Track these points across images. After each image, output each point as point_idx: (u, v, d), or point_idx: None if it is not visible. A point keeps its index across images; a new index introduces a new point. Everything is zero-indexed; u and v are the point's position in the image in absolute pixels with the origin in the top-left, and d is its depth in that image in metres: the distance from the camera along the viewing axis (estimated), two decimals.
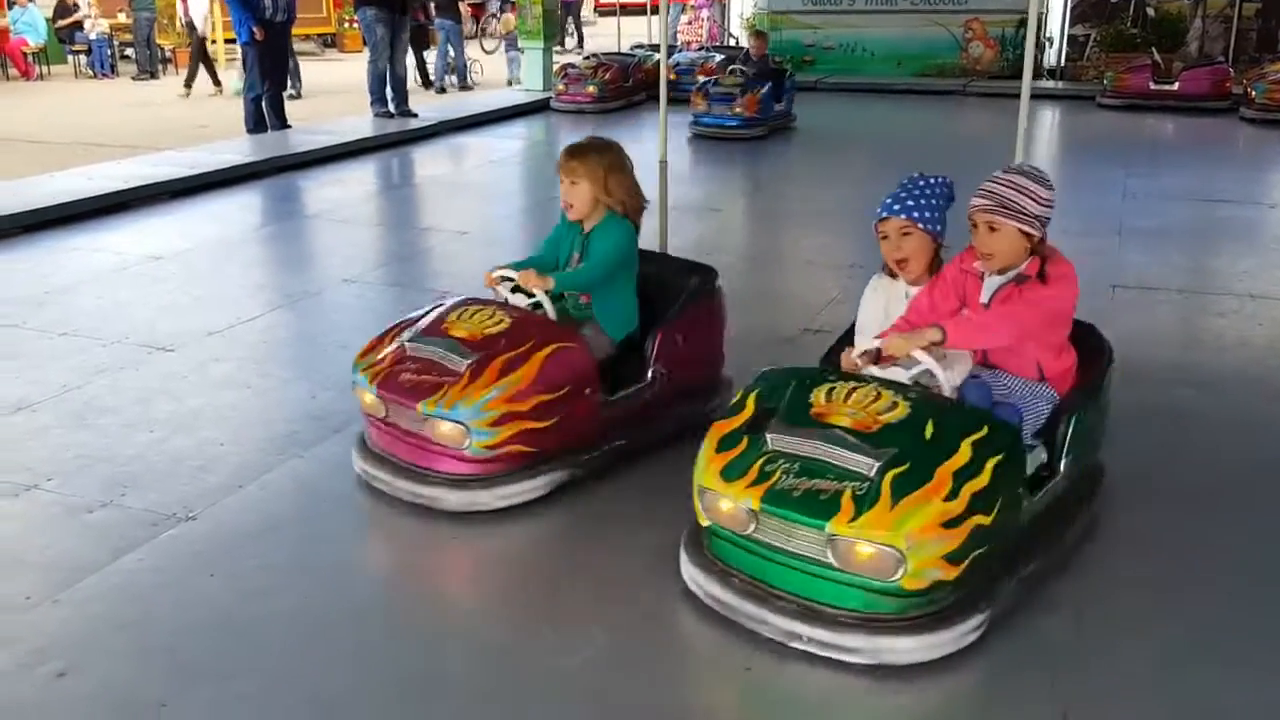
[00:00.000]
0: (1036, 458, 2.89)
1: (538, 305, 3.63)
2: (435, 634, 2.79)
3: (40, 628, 2.74)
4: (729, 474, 2.68)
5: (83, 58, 18.34)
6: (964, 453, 2.56)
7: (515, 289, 3.68)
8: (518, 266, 3.67)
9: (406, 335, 3.48)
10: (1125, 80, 12.99)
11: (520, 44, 14.71)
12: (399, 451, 3.38)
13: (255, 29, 10.06)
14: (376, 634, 2.76)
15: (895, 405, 2.70)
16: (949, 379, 2.86)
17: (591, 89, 12.65)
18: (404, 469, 3.36)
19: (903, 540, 2.43)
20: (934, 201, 3.17)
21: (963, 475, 2.52)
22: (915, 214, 3.15)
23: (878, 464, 2.55)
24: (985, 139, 11.84)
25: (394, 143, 10.56)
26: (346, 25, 23.04)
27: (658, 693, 2.53)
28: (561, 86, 12.84)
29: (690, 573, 2.83)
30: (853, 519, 2.47)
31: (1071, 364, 3.09)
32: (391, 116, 11.27)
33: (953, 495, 2.49)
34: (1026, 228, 2.89)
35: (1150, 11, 14.59)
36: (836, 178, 9.68)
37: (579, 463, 3.44)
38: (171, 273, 6.12)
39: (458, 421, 3.20)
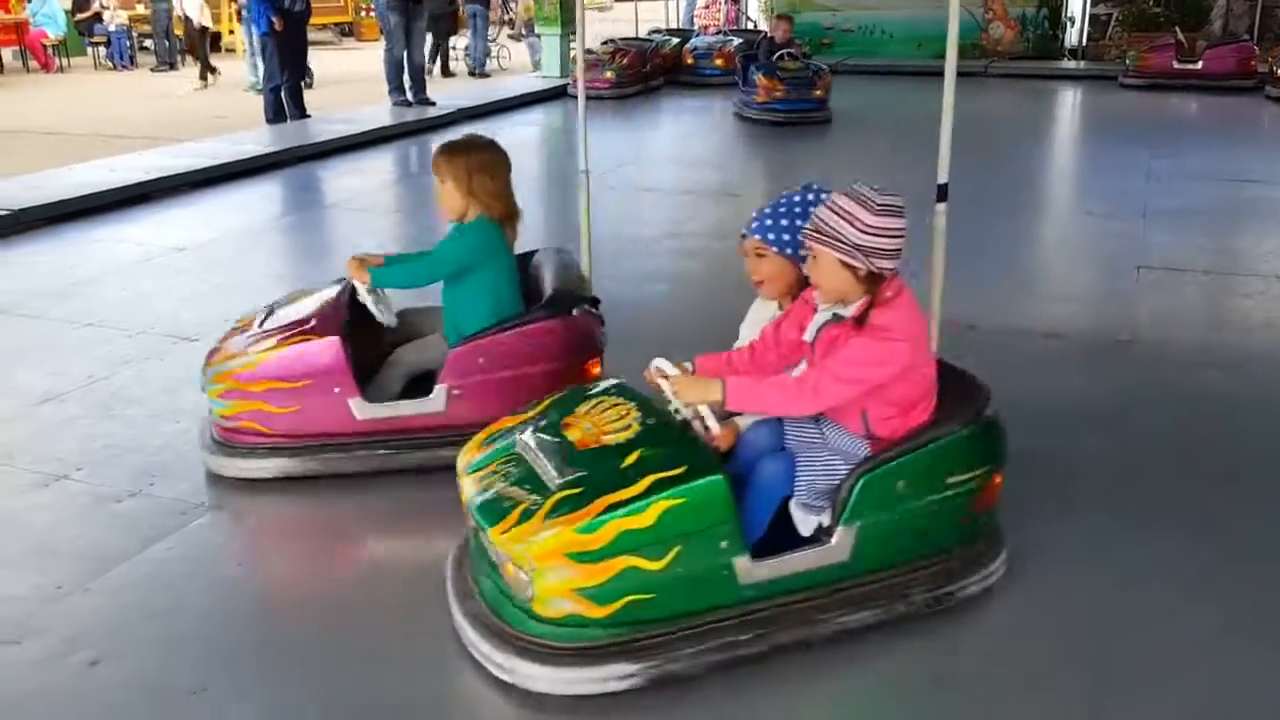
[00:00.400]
0: (810, 521, 2.57)
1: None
2: None
3: (72, 617, 2.77)
4: (474, 466, 2.66)
5: (102, 49, 18.42)
6: (636, 488, 2.36)
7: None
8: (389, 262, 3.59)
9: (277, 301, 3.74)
10: (1148, 60, 12.86)
11: (537, 30, 14.68)
12: None
13: (275, 19, 10.08)
14: (403, 622, 2.76)
15: (627, 428, 2.56)
16: (718, 426, 2.61)
17: (609, 74, 12.60)
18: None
19: (527, 561, 2.34)
20: (796, 223, 2.77)
21: (618, 510, 2.33)
22: (770, 235, 2.83)
23: (560, 481, 2.45)
24: (1008, 120, 11.78)
25: (412, 131, 10.56)
26: (363, 14, 23.05)
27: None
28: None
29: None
30: (505, 530, 2.39)
31: (921, 422, 2.63)
32: (410, 105, 11.27)
33: (590, 528, 2.33)
34: (844, 258, 2.49)
35: None
36: (859, 160, 9.62)
37: (321, 459, 3.41)
38: (194, 263, 6.15)
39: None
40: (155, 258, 6.21)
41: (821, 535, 2.55)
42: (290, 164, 9.02)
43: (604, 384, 2.81)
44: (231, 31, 19.96)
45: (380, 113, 11.11)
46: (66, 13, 18.26)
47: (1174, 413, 3.97)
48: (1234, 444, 3.72)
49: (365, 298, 3.52)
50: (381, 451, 3.43)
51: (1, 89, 15.19)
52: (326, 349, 3.37)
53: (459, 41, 17.11)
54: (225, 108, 12.98)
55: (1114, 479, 3.45)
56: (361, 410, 3.40)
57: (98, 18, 18.44)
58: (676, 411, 2.63)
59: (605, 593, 2.35)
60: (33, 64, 17.73)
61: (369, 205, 7.88)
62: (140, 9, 18.81)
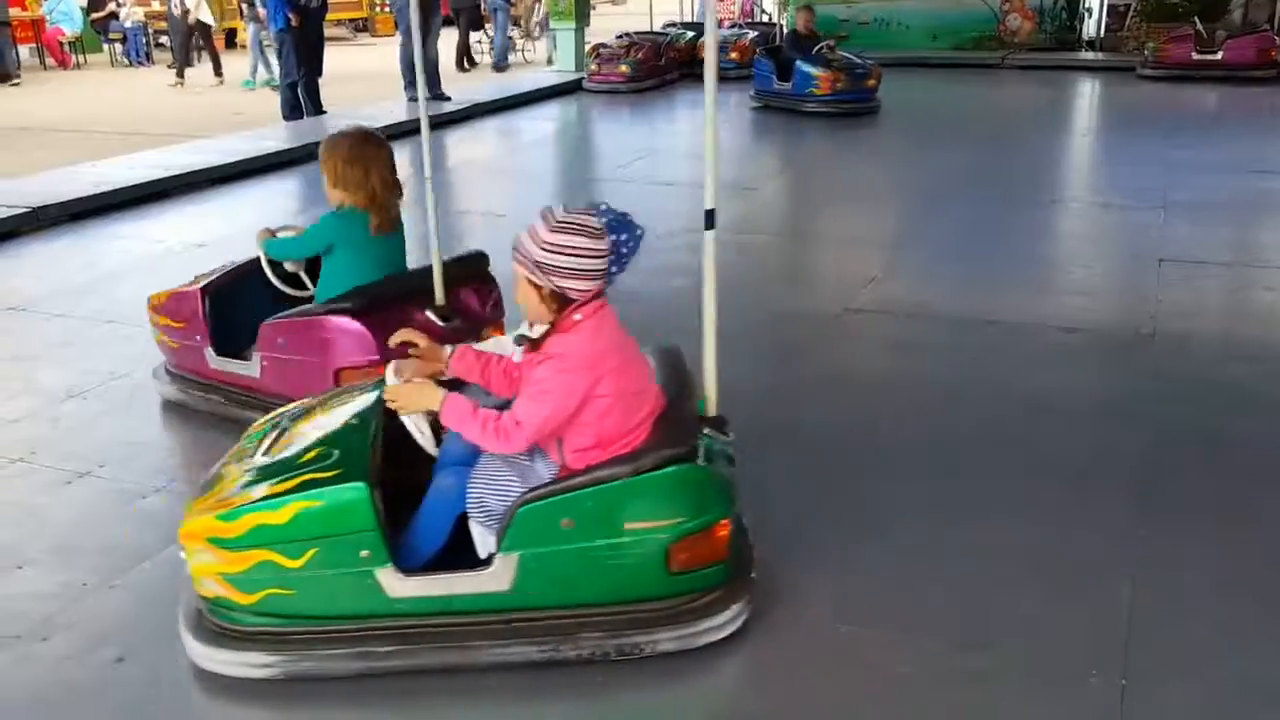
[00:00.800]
0: (488, 542, 2.49)
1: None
2: None
3: (97, 613, 2.79)
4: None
5: (118, 46, 18.50)
6: (287, 484, 2.42)
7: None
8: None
9: None
10: (1167, 50, 12.76)
11: (552, 25, 14.68)
12: None
13: (291, 15, 10.10)
14: None
15: (338, 423, 2.63)
16: (430, 437, 2.58)
17: (624, 69, 12.58)
18: None
19: (182, 538, 2.52)
20: None
21: (259, 504, 2.41)
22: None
23: (248, 466, 2.58)
24: (1025, 112, 11.72)
25: (429, 126, 10.55)
26: (378, 9, 23.09)
27: None
28: (594, 67, 12.79)
29: None
30: (187, 507, 2.60)
31: (608, 452, 2.48)
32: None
33: (230, 517, 2.42)
34: (528, 275, 2.41)
35: None
36: (875, 153, 9.60)
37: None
38: (213, 260, 6.15)
39: None
40: (175, 254, 6.24)
41: (488, 560, 2.47)
42: (307, 160, 8.99)
43: (379, 379, 2.76)
44: (224, 30, 20.04)
45: (396, 108, 11.11)
46: (83, 10, 18.34)
47: (1196, 406, 3.94)
48: (1257, 438, 3.69)
49: (265, 266, 3.83)
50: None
51: (19, 86, 15.25)
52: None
53: (477, 35, 17.15)
54: (241, 105, 13.02)
55: (1134, 473, 3.42)
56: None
57: (114, 15, 18.52)
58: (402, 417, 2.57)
59: (246, 582, 2.44)
60: (50, 61, 17.82)
61: None
62: (157, 5, 18.87)
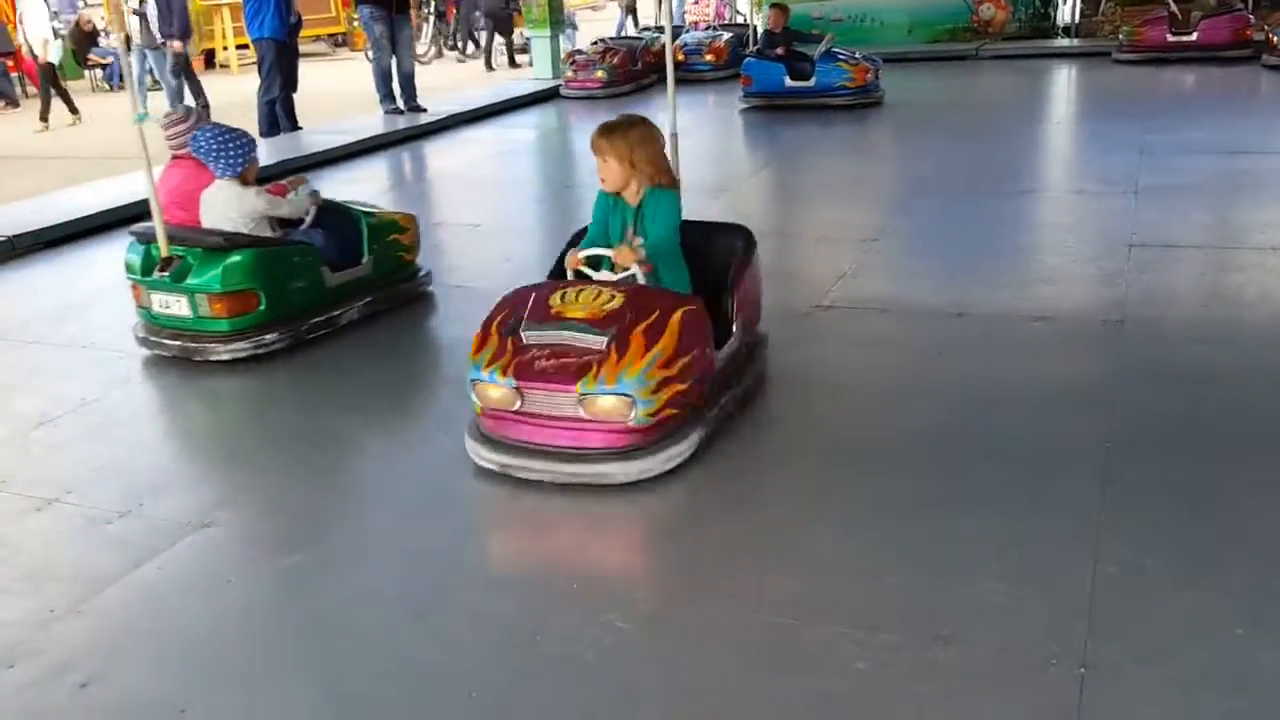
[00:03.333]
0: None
1: (630, 278, 3.70)
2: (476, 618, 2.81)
3: (64, 639, 2.79)
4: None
5: (99, 71, 18.50)
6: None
7: (597, 266, 3.79)
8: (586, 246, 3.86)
9: (518, 327, 3.50)
10: (1142, 33, 12.78)
11: (526, 32, 14.72)
12: (543, 438, 3.42)
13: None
14: (400, 625, 2.78)
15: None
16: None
17: (600, 74, 12.61)
18: (553, 453, 3.40)
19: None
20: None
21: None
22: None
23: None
24: (999, 102, 11.75)
25: (405, 138, 10.58)
26: (355, 23, 23.05)
27: None
28: (570, 73, 12.81)
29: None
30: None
31: None
32: (401, 113, 11.29)
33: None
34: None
35: None
36: (851, 149, 9.62)
37: (706, 420, 3.57)
38: None
39: (623, 394, 3.29)
40: None
41: None
42: (285, 176, 9.02)
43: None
44: (225, 48, 20.05)
45: (373, 122, 11.13)
46: (62, 38, 18.32)
47: (1163, 390, 3.95)
48: (1225, 419, 3.70)
49: (641, 276, 3.68)
50: (724, 399, 3.75)
51: (3, 115, 15.19)
52: (701, 309, 3.59)
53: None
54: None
55: (1103, 458, 3.44)
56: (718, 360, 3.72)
57: (94, 41, 18.52)
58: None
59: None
60: (31, 89, 17.79)
61: None
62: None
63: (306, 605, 2.94)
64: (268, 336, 4.63)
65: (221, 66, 19.95)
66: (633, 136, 3.74)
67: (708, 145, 10.35)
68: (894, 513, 3.20)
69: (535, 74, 13.91)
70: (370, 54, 18.12)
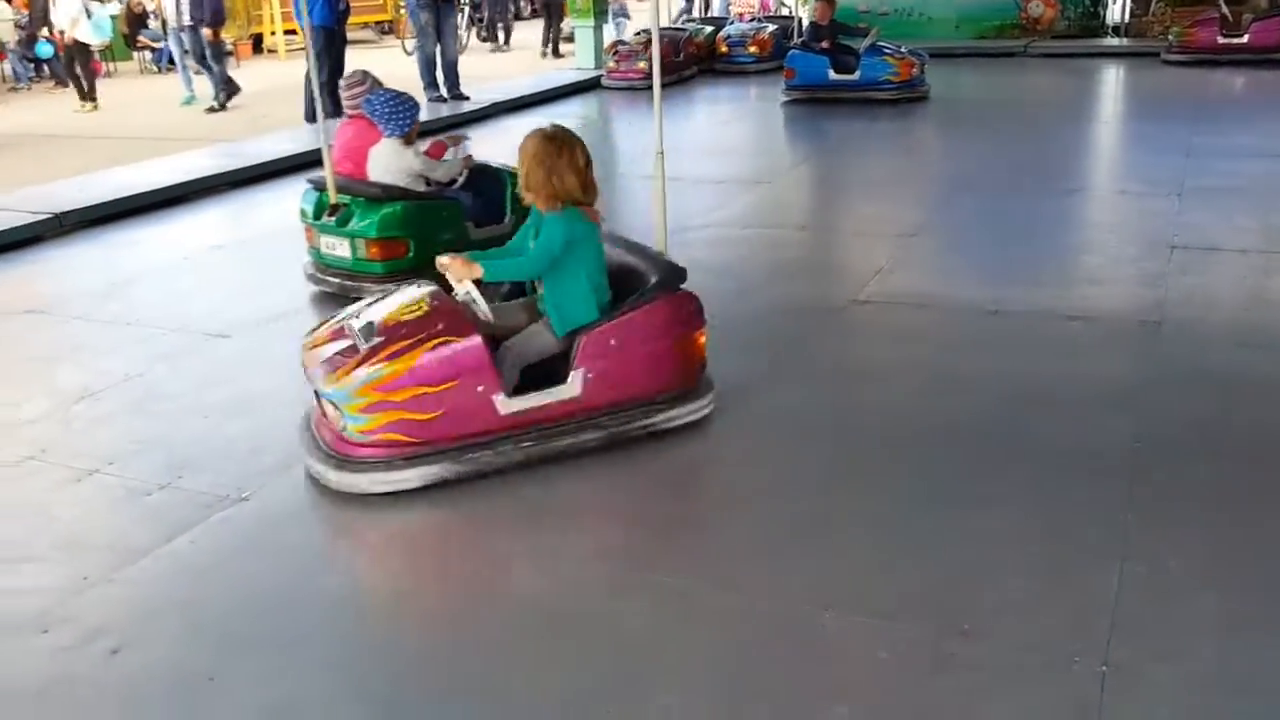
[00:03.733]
0: None
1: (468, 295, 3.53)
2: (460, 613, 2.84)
3: (96, 607, 2.86)
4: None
5: (147, 54, 18.74)
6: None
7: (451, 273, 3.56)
8: (474, 257, 3.57)
9: (349, 312, 3.64)
10: (1192, 35, 12.58)
11: (570, 23, 14.74)
12: (317, 428, 3.55)
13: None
14: (413, 613, 2.82)
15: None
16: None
17: (643, 65, 12.58)
18: (319, 446, 3.47)
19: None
20: None
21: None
22: None
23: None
24: (1047, 100, 11.62)
25: (448, 126, 10.61)
26: (402, 11, 23.17)
27: None
28: (613, 64, 12.81)
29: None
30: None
31: None
32: (445, 100, 11.35)
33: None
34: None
35: None
36: (893, 144, 9.56)
37: (466, 459, 3.37)
38: (230, 262, 6.28)
39: (332, 402, 3.33)
40: (193, 257, 6.34)
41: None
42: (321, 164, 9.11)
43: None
44: (273, 33, 20.24)
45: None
46: (113, 19, 18.58)
47: (1198, 392, 3.91)
48: (1260, 423, 3.66)
49: (465, 296, 3.50)
50: (526, 444, 3.44)
51: (53, 95, 15.45)
52: (470, 349, 3.35)
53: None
54: (266, 107, 13.15)
55: (1133, 458, 3.41)
56: (505, 406, 3.41)
57: (143, 22, 18.76)
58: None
59: None
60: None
61: None
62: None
63: (330, 581, 2.99)
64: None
65: (269, 51, 20.13)
66: (550, 148, 3.48)
67: (747, 137, 10.34)
68: (921, 506, 3.19)
69: (578, 64, 13.92)
70: (407, 45, 18.42)
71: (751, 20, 15.14)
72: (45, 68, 16.57)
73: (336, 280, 5.25)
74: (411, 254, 5.10)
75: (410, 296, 3.57)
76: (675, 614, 2.75)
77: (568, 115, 11.56)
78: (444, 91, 11.43)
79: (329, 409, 3.38)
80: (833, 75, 10.82)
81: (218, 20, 12.60)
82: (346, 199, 5.23)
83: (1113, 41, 14.61)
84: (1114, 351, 4.37)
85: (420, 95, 11.49)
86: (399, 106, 5.24)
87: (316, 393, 3.50)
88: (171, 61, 18.40)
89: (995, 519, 3.10)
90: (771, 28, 13.95)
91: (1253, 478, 3.30)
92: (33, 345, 4.91)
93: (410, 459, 3.33)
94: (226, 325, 4.99)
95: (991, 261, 5.70)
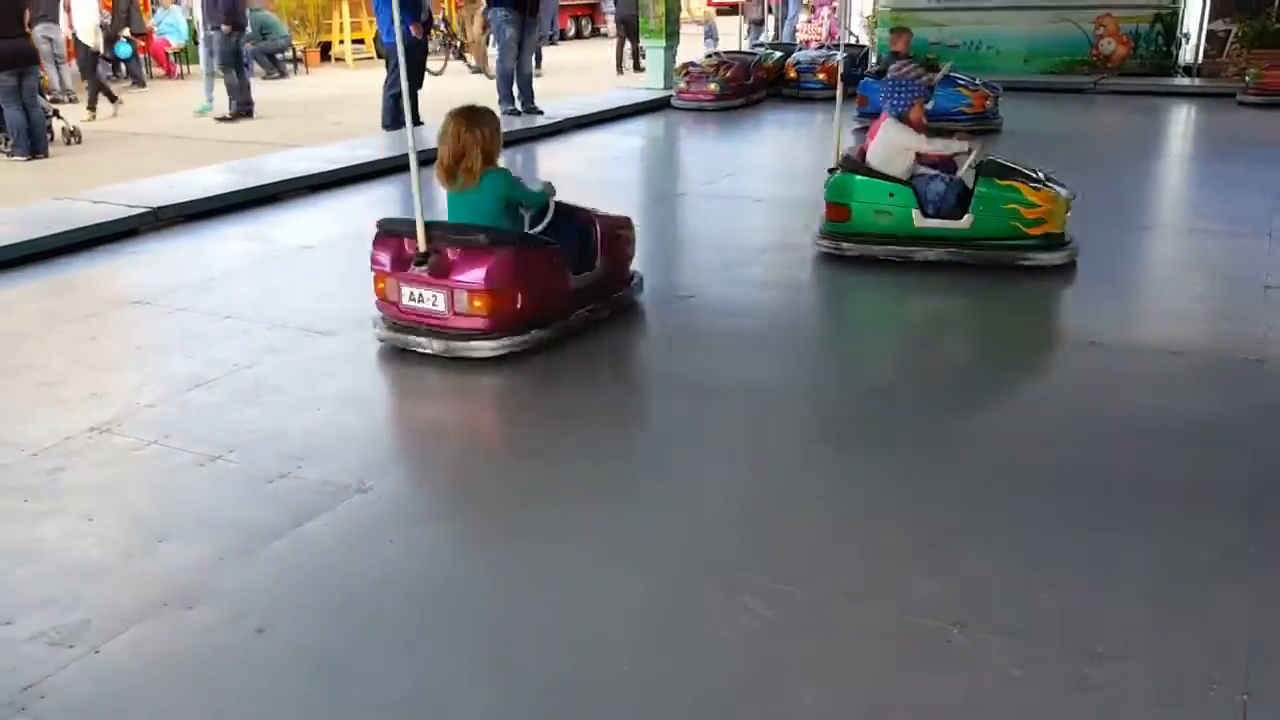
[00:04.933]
0: None
1: None
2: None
3: (237, 587, 2.94)
4: None
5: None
6: None
7: None
8: None
9: None
10: (1270, 77, 12.47)
11: (642, 42, 14.88)
12: None
13: (413, 27, 10.43)
14: (554, 602, 2.87)
15: None
16: None
17: (713, 87, 12.69)
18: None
19: None
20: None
21: None
22: None
23: None
24: (1117, 137, 11.58)
25: (522, 139, 10.77)
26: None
27: None
28: (683, 85, 12.91)
29: None
30: None
31: None
32: (519, 114, 11.49)
33: None
34: None
35: None
36: None
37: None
38: (320, 262, 6.40)
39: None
40: (284, 255, 6.46)
41: None
42: (405, 170, 9.24)
43: None
44: (341, 42, 20.56)
45: None
46: (188, 21, 18.98)
47: None
48: None
49: None
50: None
51: (132, 95, 15.74)
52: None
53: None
54: (338, 112, 13.37)
55: (1243, 494, 3.41)
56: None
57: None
58: None
59: None
60: (157, 70, 18.46)
61: None
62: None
63: (460, 570, 3.05)
64: None
65: (337, 60, 20.45)
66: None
67: (806, 163, 10.36)
68: (1040, 530, 3.20)
69: (649, 83, 14.03)
70: (470, 60, 18.52)
71: (820, 48, 15.22)
72: (123, 67, 16.90)
73: None
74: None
75: None
76: (798, 620, 2.78)
77: (638, 134, 11.69)
78: (519, 105, 11.57)
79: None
80: None
81: (234, 22, 12.69)
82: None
83: (1185, 81, 14.53)
84: (1217, 387, 4.36)
85: (495, 108, 11.71)
86: (899, 89, 6.15)
87: None
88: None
89: (1115, 545, 3.10)
90: (840, 55, 13.98)
91: None
92: (143, 334, 5.05)
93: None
94: (327, 322, 5.08)
95: (1084, 293, 5.70)
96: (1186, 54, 14.97)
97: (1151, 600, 2.84)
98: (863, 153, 6.20)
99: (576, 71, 18.87)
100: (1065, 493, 3.44)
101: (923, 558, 3.07)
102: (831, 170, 6.25)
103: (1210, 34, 14.61)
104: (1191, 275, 6.12)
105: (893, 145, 5.94)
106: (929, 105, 10.58)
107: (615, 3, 20.05)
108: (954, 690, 2.51)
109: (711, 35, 19.53)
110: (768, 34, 19.07)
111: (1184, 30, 14.85)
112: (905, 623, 2.75)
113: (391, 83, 10.91)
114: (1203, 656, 2.60)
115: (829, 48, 15.26)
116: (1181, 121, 12.63)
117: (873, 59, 14.12)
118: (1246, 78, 12.85)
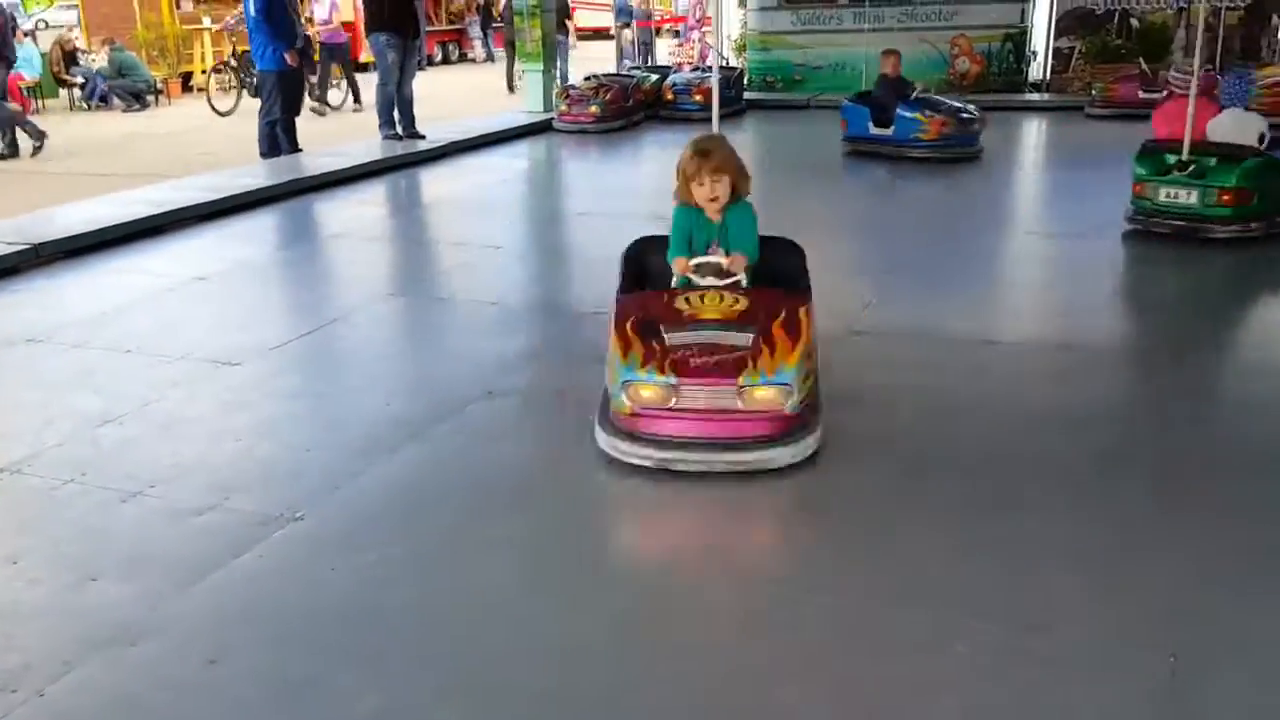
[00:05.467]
0: None
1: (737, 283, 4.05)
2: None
3: (178, 619, 2.87)
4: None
5: (77, 90, 18.44)
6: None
7: (703, 272, 4.05)
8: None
9: (655, 330, 3.77)
10: (1114, 90, 13.27)
11: (520, 67, 14.95)
12: (697, 431, 3.65)
13: (288, 55, 10.27)
14: (525, 606, 2.89)
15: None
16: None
17: (594, 109, 12.83)
18: (707, 444, 3.63)
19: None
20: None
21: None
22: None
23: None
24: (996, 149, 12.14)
25: (404, 164, 10.70)
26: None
27: None
28: (564, 107, 13.01)
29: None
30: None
31: None
32: (400, 139, 11.41)
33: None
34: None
35: (1135, 23, 14.92)
36: (842, 191, 9.92)
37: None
38: (216, 292, 6.24)
39: (783, 384, 3.61)
40: (178, 287, 6.28)
41: None
42: (288, 197, 9.11)
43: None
44: (203, 72, 19.99)
45: (371, 146, 11.23)
46: (43, 55, 18.27)
47: (1192, 411, 4.20)
48: (1254, 436, 3.96)
49: (744, 279, 4.06)
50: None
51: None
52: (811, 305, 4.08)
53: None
54: (211, 144, 13.05)
55: (1145, 472, 3.66)
56: None
57: (74, 59, 18.47)
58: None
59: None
60: (11, 105, 17.66)
61: (378, 234, 8.08)
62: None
63: (408, 592, 3.05)
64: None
65: (199, 89, 19.90)
66: (732, 153, 4.12)
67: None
68: (957, 516, 3.38)
69: (528, 106, 14.09)
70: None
71: (694, 70, 15.54)
72: None
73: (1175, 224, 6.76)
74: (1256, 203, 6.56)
75: (705, 297, 3.93)
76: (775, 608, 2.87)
77: (523, 155, 11.75)
78: (399, 130, 11.49)
79: (764, 394, 3.61)
80: (872, 130, 10.73)
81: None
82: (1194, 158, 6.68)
83: (1035, 96, 15.31)
84: (1101, 377, 4.66)
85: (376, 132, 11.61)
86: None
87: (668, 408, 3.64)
88: (104, 99, 18.22)
89: (1035, 525, 3.30)
90: (715, 76, 14.28)
91: (1250, 483, 3.56)
92: (41, 372, 4.84)
93: (809, 421, 3.77)
94: (231, 353, 4.96)
95: (956, 296, 6.00)
96: (1035, 71, 15.79)
97: (1076, 575, 3.02)
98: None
99: (461, 95, 18.87)
100: (978, 477, 3.65)
101: (859, 547, 3.20)
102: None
103: (1056, 51, 15.45)
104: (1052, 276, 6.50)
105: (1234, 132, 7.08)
106: None
107: (504, 23, 20.08)
108: (908, 667, 2.64)
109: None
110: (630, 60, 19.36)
111: (1032, 48, 15.66)
112: (857, 606, 2.87)
113: (266, 111, 10.75)
114: (1132, 624, 2.79)
115: (703, 70, 15.59)
116: (1034, 134, 13.31)
117: (745, 80, 14.45)
118: (1094, 91, 13.64)
